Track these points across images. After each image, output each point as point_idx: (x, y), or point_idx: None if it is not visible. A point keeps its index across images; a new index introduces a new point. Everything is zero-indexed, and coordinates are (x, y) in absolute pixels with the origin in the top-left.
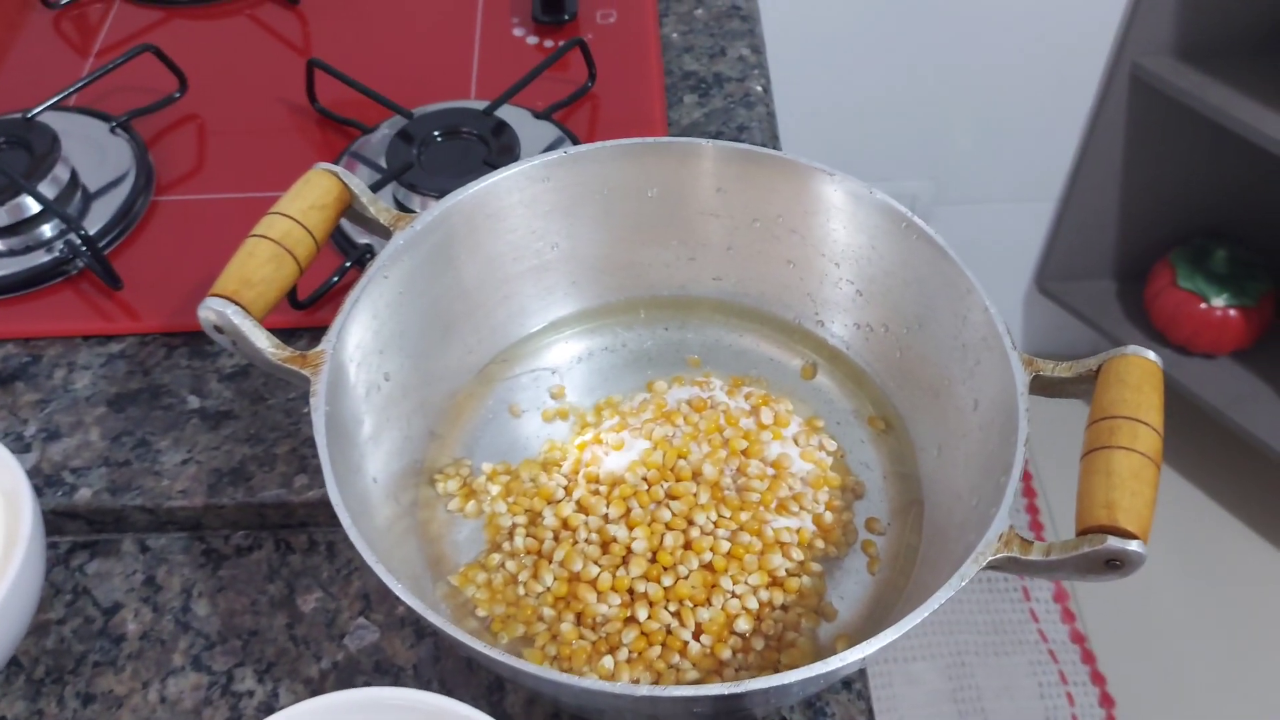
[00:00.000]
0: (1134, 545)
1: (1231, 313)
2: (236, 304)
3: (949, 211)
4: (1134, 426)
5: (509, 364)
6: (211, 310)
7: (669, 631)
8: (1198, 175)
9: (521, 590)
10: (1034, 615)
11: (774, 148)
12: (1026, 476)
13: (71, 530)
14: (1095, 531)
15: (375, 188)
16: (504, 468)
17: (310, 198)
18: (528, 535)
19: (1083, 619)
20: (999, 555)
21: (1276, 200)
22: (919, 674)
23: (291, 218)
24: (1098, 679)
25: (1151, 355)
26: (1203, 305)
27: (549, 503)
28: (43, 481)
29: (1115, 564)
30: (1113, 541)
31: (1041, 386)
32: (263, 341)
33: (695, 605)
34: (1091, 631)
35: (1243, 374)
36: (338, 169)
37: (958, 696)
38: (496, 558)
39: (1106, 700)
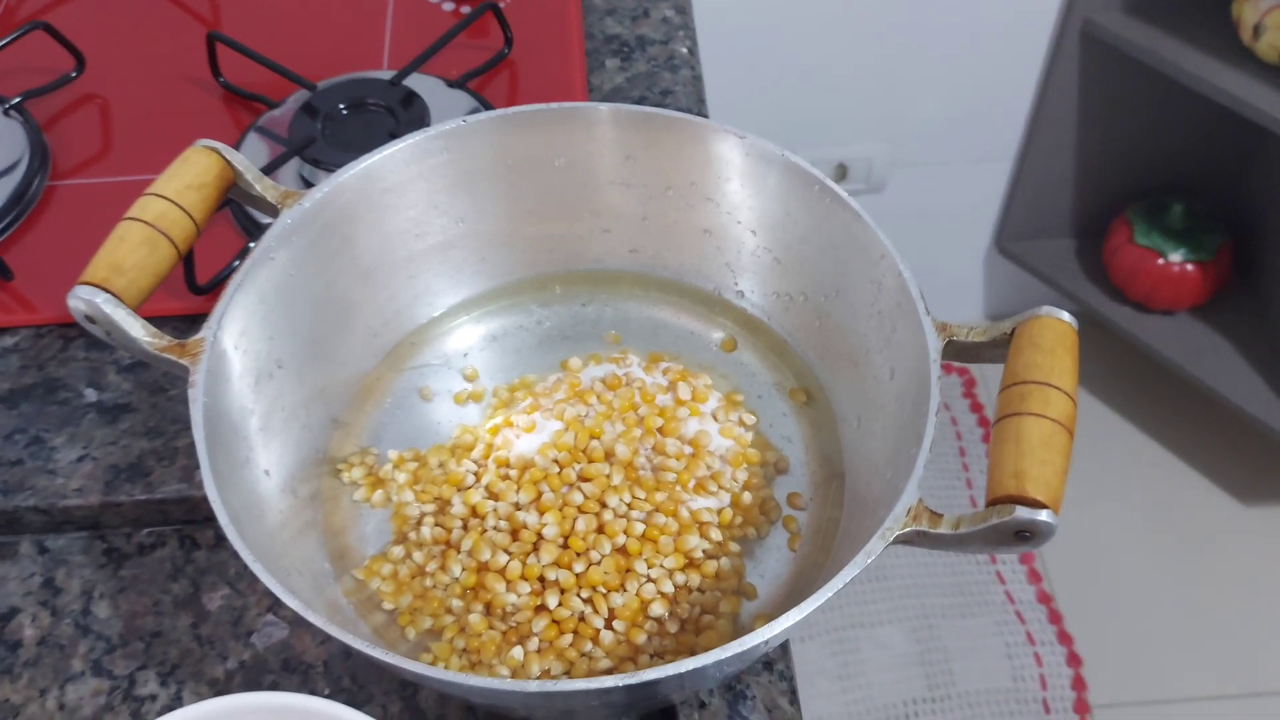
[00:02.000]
0: (1043, 515)
1: (1189, 267)
2: (107, 291)
3: (906, 174)
4: (1045, 391)
5: (417, 346)
6: (81, 299)
7: (581, 619)
8: (1152, 130)
9: (429, 582)
10: (1000, 577)
11: (700, 112)
12: (962, 452)
13: None
14: (1004, 502)
15: (277, 164)
16: (412, 454)
17: (187, 177)
18: (436, 524)
19: (1049, 579)
20: (907, 529)
21: (1231, 154)
22: (886, 638)
23: (167, 198)
24: (1064, 638)
25: (1065, 316)
26: (1160, 261)
27: (458, 489)
28: None
29: (1024, 535)
30: (1021, 512)
31: (956, 352)
32: (137, 330)
33: (608, 591)
34: (1058, 591)
35: (1201, 328)
36: (218, 145)
37: (925, 659)
38: (401, 549)
39: (1074, 659)
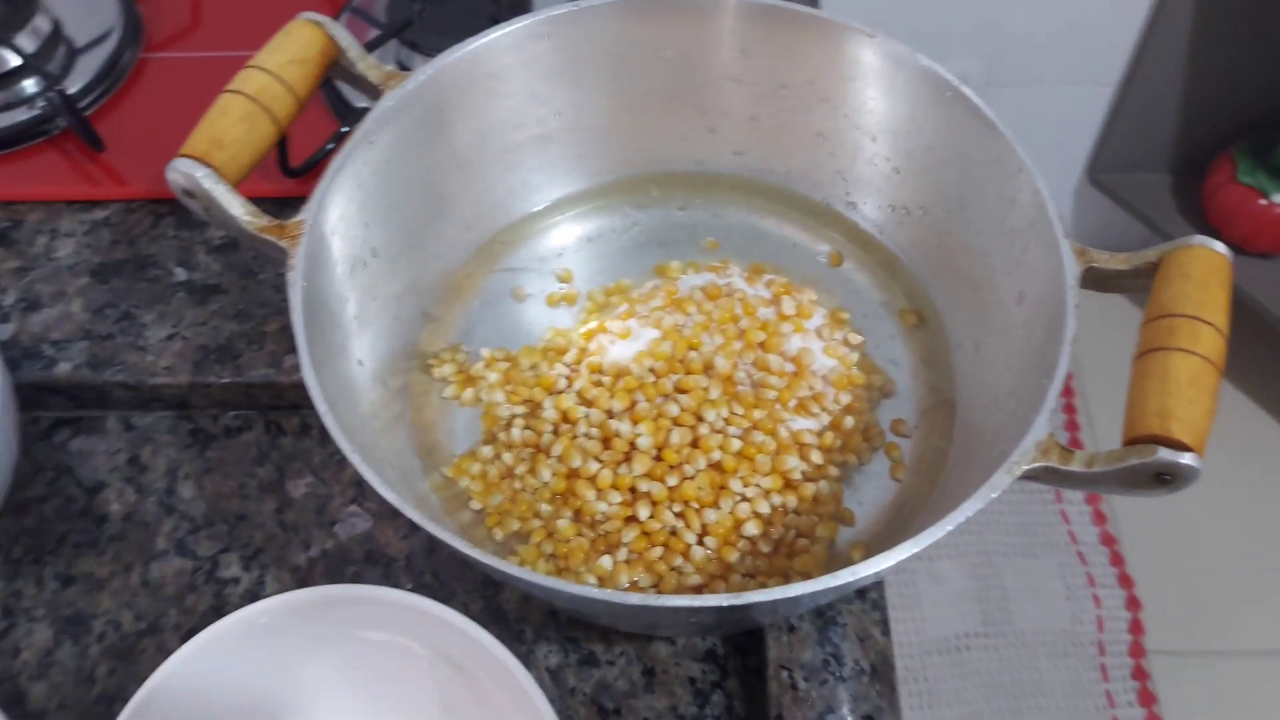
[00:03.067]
0: (1187, 458)
1: None
2: (208, 165)
3: (999, 93)
4: (1195, 326)
5: (510, 244)
6: (180, 173)
7: (673, 533)
8: (1269, 60)
9: (518, 484)
10: (1065, 516)
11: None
12: (1067, 379)
13: (53, 405)
14: (1145, 442)
15: (373, 46)
16: (503, 354)
17: (290, 50)
18: (526, 427)
19: (1115, 521)
20: (1035, 465)
21: None
22: (943, 572)
23: (269, 72)
24: (1126, 581)
25: (1220, 247)
26: (1262, 201)
27: (549, 393)
28: (20, 353)
29: (1165, 478)
30: (1164, 453)
31: (1094, 280)
32: (236, 208)
33: (701, 507)
34: (1123, 534)
35: None
36: (323, 19)
37: (983, 596)
38: (490, 449)
39: (1134, 603)
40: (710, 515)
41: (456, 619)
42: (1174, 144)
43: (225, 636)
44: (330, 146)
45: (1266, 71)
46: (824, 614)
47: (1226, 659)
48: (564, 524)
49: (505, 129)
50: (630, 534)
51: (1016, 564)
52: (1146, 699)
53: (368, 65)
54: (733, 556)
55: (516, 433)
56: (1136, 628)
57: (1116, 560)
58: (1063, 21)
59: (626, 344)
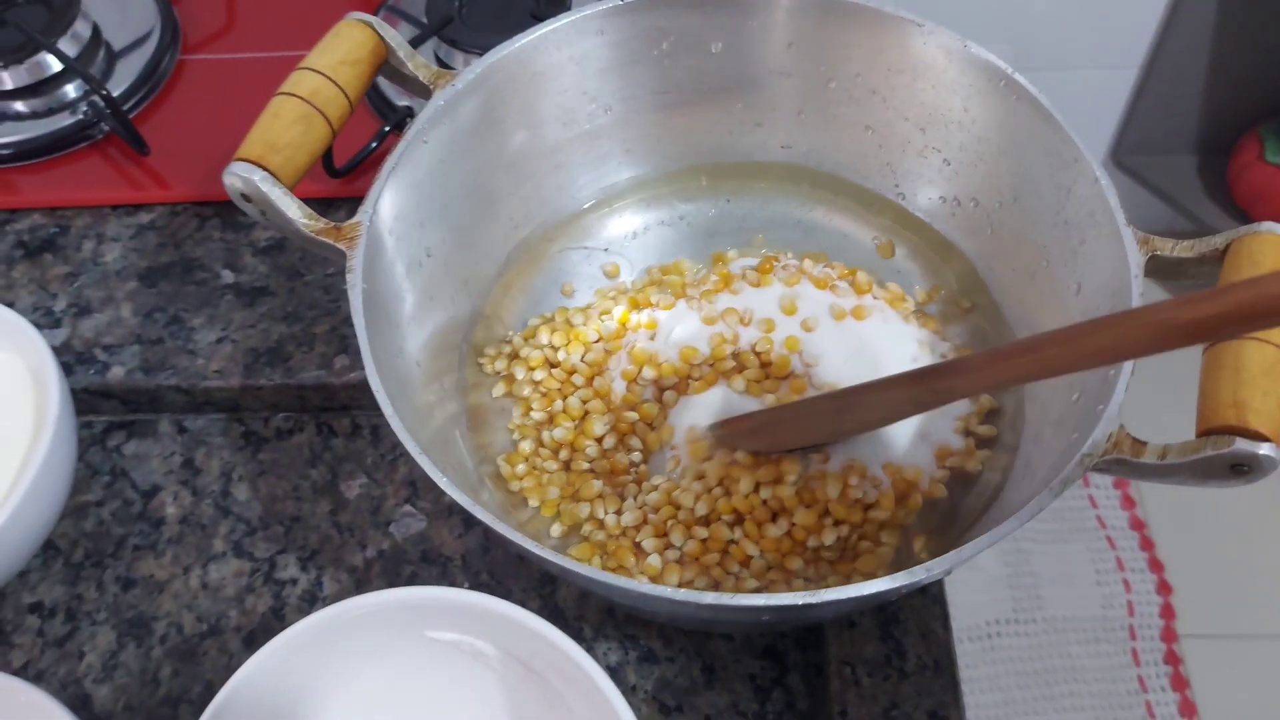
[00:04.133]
0: (1265, 449)
1: None
2: (264, 169)
3: (1027, 78)
4: None
5: (559, 240)
6: (237, 176)
7: (732, 542)
8: None
9: (562, 471)
10: (1092, 500)
11: None
12: None
13: (106, 410)
14: (1220, 433)
15: (414, 45)
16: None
17: (341, 51)
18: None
19: (1143, 505)
20: (1108, 457)
21: None
22: (978, 560)
23: (321, 73)
24: (1156, 566)
25: None
26: None
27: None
28: (74, 359)
29: (1242, 469)
30: (1241, 445)
31: (1158, 268)
32: (294, 211)
33: (760, 524)
34: (1151, 518)
35: None
36: (372, 19)
37: (1014, 583)
38: (529, 444)
39: (1164, 587)
40: (772, 530)
41: (529, 619)
42: (1199, 125)
43: (296, 641)
44: (374, 146)
45: None
46: (885, 609)
47: (1259, 642)
48: (611, 519)
49: (554, 126)
50: (678, 537)
51: (1047, 550)
52: (1179, 683)
53: (418, 65)
54: (795, 565)
55: (557, 429)
56: (1168, 612)
57: (1146, 545)
58: (1088, 4)
59: (679, 326)
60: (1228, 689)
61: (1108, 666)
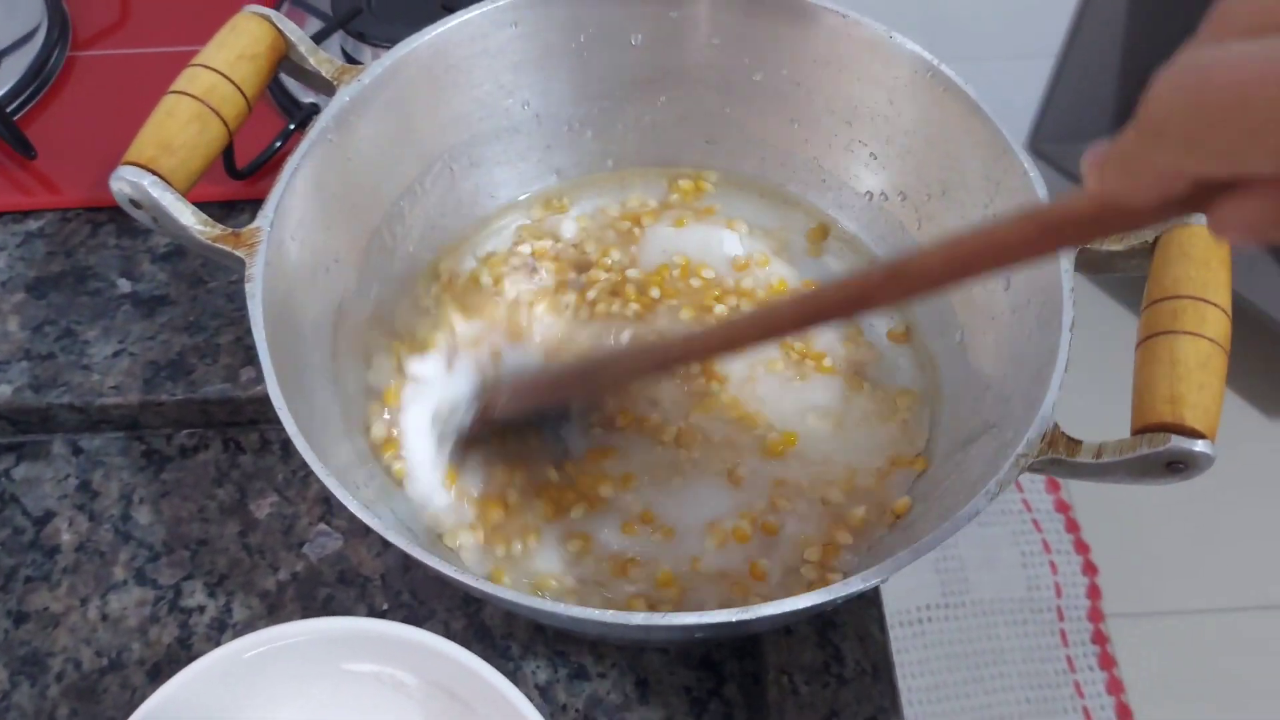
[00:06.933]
0: (1201, 446)
1: None
2: (154, 173)
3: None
4: (1201, 308)
5: (475, 242)
6: (125, 181)
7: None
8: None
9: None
10: (1018, 484)
11: None
12: None
13: None
14: (1156, 430)
15: (319, 39)
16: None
17: (238, 47)
18: None
19: (1067, 489)
20: (1042, 457)
21: None
22: None
23: (217, 70)
24: (1081, 547)
25: None
26: None
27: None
28: None
29: (1178, 467)
30: (1177, 442)
31: (1088, 263)
32: (187, 218)
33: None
34: (1076, 502)
35: None
36: (270, 12)
37: (940, 567)
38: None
39: (1090, 568)
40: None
41: (450, 649)
42: (1115, 111)
43: (205, 674)
44: (279, 145)
45: None
46: (822, 614)
47: (1184, 618)
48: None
49: (469, 121)
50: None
51: (971, 533)
52: (1107, 662)
53: (320, 60)
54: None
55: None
56: (1094, 592)
57: (1072, 527)
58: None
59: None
60: (1154, 665)
61: (1036, 647)
